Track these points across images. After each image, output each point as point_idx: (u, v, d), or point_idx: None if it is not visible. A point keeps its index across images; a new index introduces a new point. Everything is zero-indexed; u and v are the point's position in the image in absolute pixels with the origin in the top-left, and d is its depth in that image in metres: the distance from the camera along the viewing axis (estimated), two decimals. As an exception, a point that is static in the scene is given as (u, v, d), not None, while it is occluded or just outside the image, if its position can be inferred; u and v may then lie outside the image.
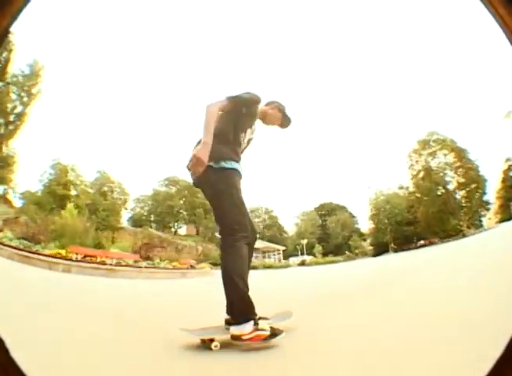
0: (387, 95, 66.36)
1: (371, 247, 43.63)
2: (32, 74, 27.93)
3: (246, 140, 2.81)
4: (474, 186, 38.54)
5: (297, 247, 45.58)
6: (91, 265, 12.71)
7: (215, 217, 2.53)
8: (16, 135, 26.49)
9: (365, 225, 49.78)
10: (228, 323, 2.41)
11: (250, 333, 2.24)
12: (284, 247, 45.61)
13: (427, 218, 38.18)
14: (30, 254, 11.32)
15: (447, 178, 40.41)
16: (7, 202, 28.11)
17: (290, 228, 57.01)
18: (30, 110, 27.54)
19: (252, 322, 2.27)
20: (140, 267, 16.46)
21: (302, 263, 35.96)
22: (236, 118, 2.66)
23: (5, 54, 25.38)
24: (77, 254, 14.60)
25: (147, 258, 23.16)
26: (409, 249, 33.74)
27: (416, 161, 42.50)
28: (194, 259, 28.25)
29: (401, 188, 44.88)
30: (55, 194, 30.32)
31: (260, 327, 2.27)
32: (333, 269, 18.65)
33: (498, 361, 0.87)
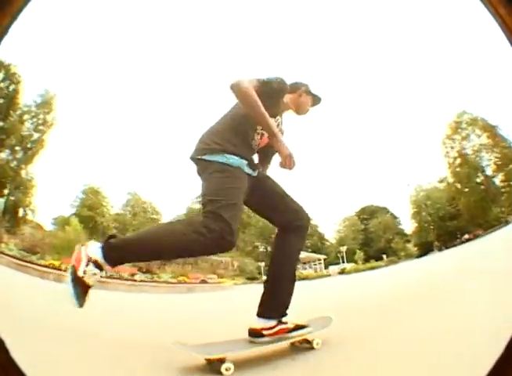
0: (408, 83, 64.67)
1: (415, 248, 42.04)
2: (44, 102, 29.69)
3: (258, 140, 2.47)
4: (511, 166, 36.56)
5: (338, 255, 44.59)
6: None
7: None
8: (34, 161, 28.34)
9: (408, 225, 48.09)
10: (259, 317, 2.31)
11: (274, 327, 2.22)
12: (325, 256, 44.86)
13: (469, 209, 36.65)
14: (23, 263, 12.89)
15: (484, 163, 38.48)
16: (38, 227, 29.31)
17: (332, 235, 55.31)
18: (48, 137, 29.44)
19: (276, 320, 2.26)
20: (135, 280, 17.60)
21: (342, 271, 35.10)
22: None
23: (12, 86, 27.28)
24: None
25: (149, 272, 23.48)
26: (454, 246, 32.42)
27: (451, 147, 40.52)
28: (231, 275, 31.32)
29: (441, 181, 43.05)
30: (83, 218, 33.03)
31: (283, 320, 2.27)
32: (375, 275, 18.18)
33: (498, 361, 0.91)
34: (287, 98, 2.60)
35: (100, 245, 1.99)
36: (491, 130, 37.87)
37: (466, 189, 37.93)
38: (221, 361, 1.85)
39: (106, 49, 59.37)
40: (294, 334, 2.23)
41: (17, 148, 27.55)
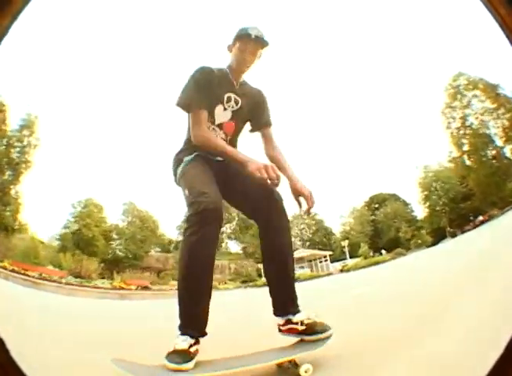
0: (399, 56, 65.28)
1: (427, 237, 40.72)
2: (27, 125, 34.17)
3: (219, 120, 2.53)
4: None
5: (343, 249, 43.53)
6: (21, 276, 17.39)
7: None
8: (20, 182, 33.19)
9: (419, 211, 46.84)
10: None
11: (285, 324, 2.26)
12: (331, 252, 44.38)
13: (480, 186, 35.12)
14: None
15: (491, 131, 36.79)
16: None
17: (339, 229, 54.77)
18: (34, 157, 34.20)
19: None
20: (60, 282, 19.92)
21: (343, 269, 34.34)
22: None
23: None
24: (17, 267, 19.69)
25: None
26: (468, 230, 31.51)
27: (452, 118, 38.97)
28: (228, 278, 33.86)
29: (449, 161, 40.68)
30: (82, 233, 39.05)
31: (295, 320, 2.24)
32: (382, 270, 17.84)
33: (498, 361, 0.92)
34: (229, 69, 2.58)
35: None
36: (492, 91, 35.92)
37: (475, 165, 36.20)
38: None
39: (94, 59, 61.71)
40: (307, 337, 2.16)
41: (5, 170, 32.04)
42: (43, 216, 62.19)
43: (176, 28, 69.20)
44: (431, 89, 66.74)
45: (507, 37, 0.98)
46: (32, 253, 26.05)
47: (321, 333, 2.12)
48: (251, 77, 2.68)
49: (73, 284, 20.49)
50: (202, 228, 1.99)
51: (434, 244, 35.55)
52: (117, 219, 45.29)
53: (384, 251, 39.73)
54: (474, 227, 31.67)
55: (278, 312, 2.30)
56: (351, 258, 41.02)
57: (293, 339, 2.19)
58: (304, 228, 55.62)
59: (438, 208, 40.92)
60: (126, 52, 66.72)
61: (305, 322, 2.17)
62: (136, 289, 24.13)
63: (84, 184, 55.92)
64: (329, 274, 32.53)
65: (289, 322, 2.22)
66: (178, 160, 2.49)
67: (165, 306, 11.10)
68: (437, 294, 3.98)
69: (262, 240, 2.40)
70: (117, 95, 66.55)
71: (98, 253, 38.88)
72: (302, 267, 42.29)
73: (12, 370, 0.99)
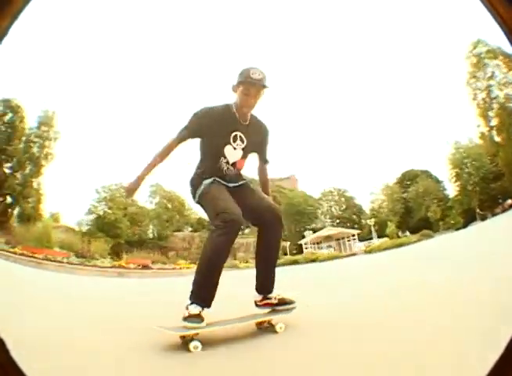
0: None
1: (458, 218, 39.78)
2: (45, 122, 37.63)
3: (232, 160, 3.16)
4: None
5: (372, 228, 42.57)
6: (28, 258, 19.96)
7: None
8: (42, 174, 36.97)
9: (451, 190, 45.25)
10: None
11: (262, 300, 3.13)
12: (359, 231, 43.59)
13: (509, 165, 33.49)
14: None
15: None
16: (68, 229, 39.11)
17: (369, 206, 54.00)
18: (54, 149, 37.90)
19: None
20: (62, 262, 22.36)
21: (366, 250, 32.59)
22: (204, 140, 3.20)
23: (13, 115, 35.59)
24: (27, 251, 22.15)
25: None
26: (497, 214, 31.19)
27: (478, 89, 37.72)
28: (251, 257, 33.72)
29: (480, 137, 39.26)
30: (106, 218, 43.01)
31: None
32: (405, 253, 17.26)
33: (498, 361, 0.95)
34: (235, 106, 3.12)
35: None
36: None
37: (504, 142, 34.74)
38: (192, 339, 2.48)
39: (101, 56, 66.45)
40: (279, 307, 3.07)
41: (26, 166, 35.78)
42: (67, 203, 70.64)
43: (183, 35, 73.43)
44: (454, 59, 66.33)
45: (507, 37, 1.01)
46: (45, 238, 28.00)
47: (289, 304, 3.08)
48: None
49: (73, 264, 23.15)
50: (227, 234, 2.74)
51: (464, 225, 34.90)
52: (144, 201, 48.80)
53: (408, 233, 38.73)
54: (503, 211, 31.35)
55: (260, 291, 3.16)
56: (379, 237, 40.14)
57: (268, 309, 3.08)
58: (333, 205, 55.61)
59: (468, 187, 39.87)
60: (139, 44, 71.71)
61: (277, 297, 3.10)
62: (135, 268, 26.56)
63: (107, 169, 63.53)
64: (353, 255, 31.81)
65: (265, 298, 3.12)
66: (197, 183, 3.14)
67: (158, 284, 14.17)
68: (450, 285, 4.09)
69: (259, 240, 3.19)
70: (135, 78, 71.00)
71: (121, 235, 42.21)
72: (330, 246, 42.83)
73: (12, 370, 1.02)
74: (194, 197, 3.20)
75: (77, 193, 68.32)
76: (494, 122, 36.58)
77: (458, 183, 41.71)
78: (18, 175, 35.38)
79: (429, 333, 2.24)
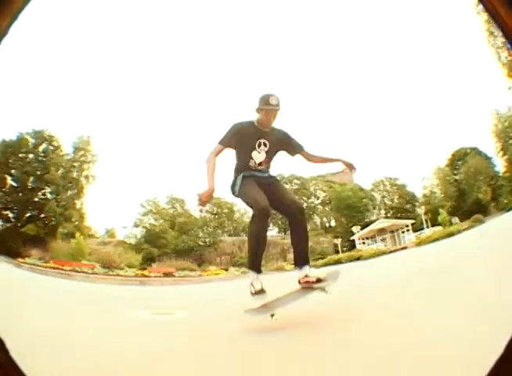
0: None
1: (510, 197, 37.44)
2: (80, 147, 41.46)
3: (258, 161, 4.31)
4: None
5: (422, 217, 40.73)
6: (59, 271, 24.13)
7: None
8: (84, 194, 41.18)
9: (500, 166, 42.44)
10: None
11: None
12: (412, 221, 41.14)
13: None
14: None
15: None
16: (119, 243, 44.47)
17: (422, 193, 51.44)
18: (93, 171, 41.98)
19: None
20: (87, 273, 25.81)
21: (416, 242, 30.39)
22: (236, 149, 4.36)
23: (47, 146, 39.02)
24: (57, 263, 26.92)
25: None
26: None
27: (499, 48, 34.62)
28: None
29: None
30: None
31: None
32: (456, 243, 16.62)
33: (498, 361, 0.98)
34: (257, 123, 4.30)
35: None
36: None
37: None
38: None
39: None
40: (317, 285, 3.83)
41: (68, 190, 39.70)
42: (119, 219, 75.39)
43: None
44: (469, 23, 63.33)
45: (507, 37, 1.05)
46: (77, 252, 31.93)
47: (324, 281, 3.88)
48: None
49: (98, 274, 26.63)
50: (259, 222, 3.93)
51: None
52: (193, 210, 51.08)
53: (458, 220, 36.56)
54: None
55: (296, 263, 4.13)
56: (433, 226, 38.36)
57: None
58: (386, 196, 54.45)
59: None
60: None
61: (315, 276, 3.90)
62: (155, 276, 29.55)
63: (152, 183, 66.69)
64: (403, 248, 30.11)
65: (306, 276, 3.92)
66: (233, 181, 4.35)
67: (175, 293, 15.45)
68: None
69: (290, 227, 4.19)
70: (161, 94, 70.24)
71: (168, 245, 45.08)
72: (384, 239, 41.49)
73: (12, 370, 1.07)
74: (234, 192, 4.35)
75: (126, 208, 78.99)
76: None
77: (505, 157, 39.71)
78: (59, 198, 38.78)
79: (429, 333, 2.32)
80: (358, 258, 29.77)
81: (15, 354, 1.11)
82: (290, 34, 73.89)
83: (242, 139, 4.21)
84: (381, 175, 55.48)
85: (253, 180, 4.20)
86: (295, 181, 56.06)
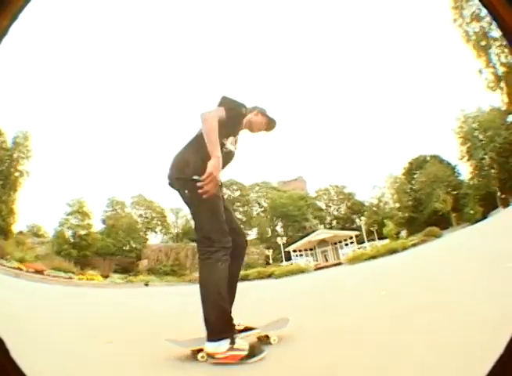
0: None
1: (476, 207, 37.66)
2: (18, 142, 46.00)
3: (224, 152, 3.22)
4: None
5: (371, 228, 41.56)
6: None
7: (194, 226, 3.07)
8: (20, 188, 45.34)
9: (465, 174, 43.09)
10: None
11: (225, 352, 2.62)
12: (357, 232, 41.07)
13: None
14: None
15: None
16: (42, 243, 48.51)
17: (372, 202, 53.17)
18: (27, 168, 46.29)
19: (228, 340, 2.66)
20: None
21: (351, 259, 28.16)
22: (221, 127, 3.05)
23: None
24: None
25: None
26: None
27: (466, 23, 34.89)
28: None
29: (489, 86, 35.95)
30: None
31: (236, 346, 2.66)
32: (403, 260, 15.69)
33: (498, 361, 0.99)
34: (245, 118, 3.46)
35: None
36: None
37: None
38: (199, 351, 2.67)
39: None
40: (248, 361, 2.61)
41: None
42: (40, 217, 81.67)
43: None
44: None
45: (507, 37, 1.06)
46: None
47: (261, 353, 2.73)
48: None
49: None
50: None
51: (483, 216, 32.66)
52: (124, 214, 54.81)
53: (404, 233, 36.93)
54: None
55: (224, 334, 2.80)
56: (380, 238, 38.46)
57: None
58: (330, 204, 56.53)
59: (483, 162, 38.44)
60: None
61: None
62: (27, 271, 32.59)
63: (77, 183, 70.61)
64: (336, 265, 29.45)
65: (232, 348, 2.69)
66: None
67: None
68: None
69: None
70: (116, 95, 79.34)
71: (90, 247, 48.29)
72: (325, 251, 42.11)
73: (12, 370, 1.07)
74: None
75: (53, 206, 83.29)
76: (502, 69, 34.28)
77: (471, 162, 40.22)
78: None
79: (428, 333, 2.42)
80: (269, 276, 28.29)
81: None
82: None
83: (235, 120, 3.29)
84: (328, 182, 57.73)
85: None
86: (233, 187, 57.07)
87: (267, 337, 3.02)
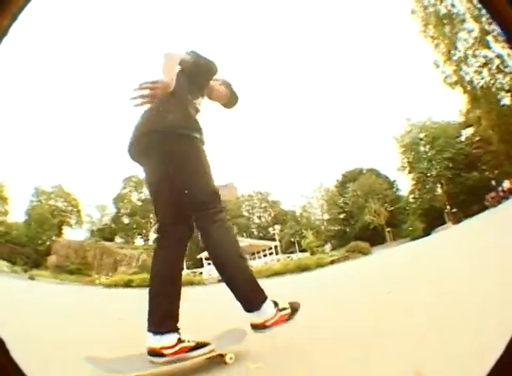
0: None
1: (417, 223, 36.99)
2: None
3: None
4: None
5: (292, 239, 41.84)
6: None
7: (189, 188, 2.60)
8: None
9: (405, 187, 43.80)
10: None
11: (275, 316, 2.50)
12: (276, 243, 40.03)
13: (499, 133, 27.00)
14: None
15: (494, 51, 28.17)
16: None
17: (298, 212, 54.80)
18: None
19: (270, 302, 2.52)
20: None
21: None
22: (191, 82, 2.87)
23: None
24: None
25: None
26: (480, 211, 25.19)
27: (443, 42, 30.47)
28: (131, 271, 35.80)
29: (449, 85, 31.47)
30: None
31: (280, 307, 2.56)
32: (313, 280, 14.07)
33: (498, 361, 0.97)
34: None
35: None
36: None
37: (484, 99, 27.93)
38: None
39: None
40: (195, 353, 2.47)
41: None
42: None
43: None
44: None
45: (507, 37, 1.05)
46: None
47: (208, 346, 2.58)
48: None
49: None
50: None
51: (426, 232, 31.46)
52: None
53: (328, 247, 36.95)
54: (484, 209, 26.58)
55: (265, 295, 2.64)
56: (302, 251, 38.58)
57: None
58: (253, 212, 57.69)
59: (428, 179, 37.25)
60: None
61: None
62: None
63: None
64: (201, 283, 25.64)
65: (180, 341, 2.58)
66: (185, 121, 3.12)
67: None
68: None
69: None
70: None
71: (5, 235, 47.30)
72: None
73: (12, 370, 1.07)
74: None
75: None
76: (465, 68, 29.85)
77: (413, 175, 39.31)
78: None
79: (428, 333, 2.39)
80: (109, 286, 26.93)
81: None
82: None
83: (202, 75, 2.92)
84: (251, 189, 59.18)
85: None
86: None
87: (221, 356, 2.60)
